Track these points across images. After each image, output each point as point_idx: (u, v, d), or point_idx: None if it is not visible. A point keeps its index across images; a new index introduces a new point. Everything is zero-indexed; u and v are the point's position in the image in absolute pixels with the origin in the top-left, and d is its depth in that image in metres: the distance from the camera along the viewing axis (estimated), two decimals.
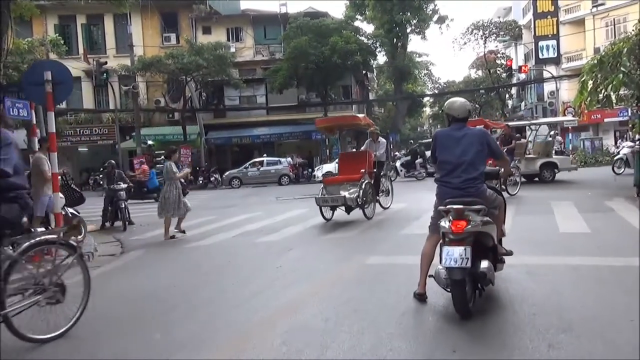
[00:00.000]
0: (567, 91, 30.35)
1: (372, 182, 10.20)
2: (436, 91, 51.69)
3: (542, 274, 4.89)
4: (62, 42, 26.43)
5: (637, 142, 16.96)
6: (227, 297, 4.84)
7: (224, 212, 12.52)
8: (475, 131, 4.17)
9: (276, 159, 27.36)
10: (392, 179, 16.10)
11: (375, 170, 10.57)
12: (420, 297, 4.14)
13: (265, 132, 31.44)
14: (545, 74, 32.91)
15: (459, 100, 4.26)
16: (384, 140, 11.41)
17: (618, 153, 17.71)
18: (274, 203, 15.08)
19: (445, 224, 3.74)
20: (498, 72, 41.76)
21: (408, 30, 37.45)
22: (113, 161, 12.28)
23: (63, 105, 32.00)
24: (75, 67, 30.69)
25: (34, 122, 10.87)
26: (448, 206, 3.77)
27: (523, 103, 41.23)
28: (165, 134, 31.41)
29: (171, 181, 9.29)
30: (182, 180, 9.82)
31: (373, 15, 35.72)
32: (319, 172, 26.66)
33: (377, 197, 10.59)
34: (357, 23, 35.78)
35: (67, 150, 31.40)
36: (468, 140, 4.07)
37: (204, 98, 32.79)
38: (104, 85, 27.80)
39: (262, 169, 26.29)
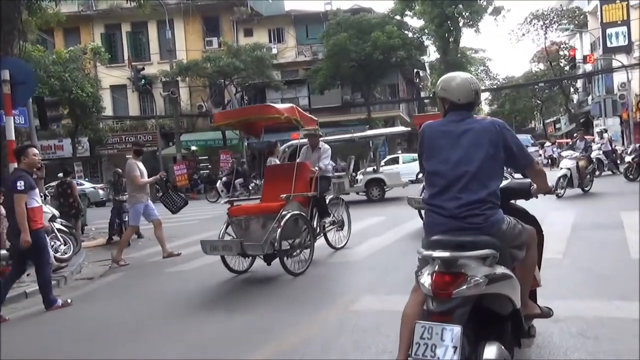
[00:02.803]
0: None
1: (311, 211, 6.62)
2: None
3: (604, 338, 3.25)
4: (102, 49, 26.51)
5: (581, 151, 12.21)
6: None
7: None
8: (484, 124, 2.63)
9: None
10: None
11: (316, 193, 6.61)
12: None
13: None
14: (615, 64, 29.74)
15: (459, 76, 2.73)
16: (327, 146, 7.45)
17: (559, 167, 12.51)
18: None
19: (425, 279, 2.26)
20: (561, 64, 38.56)
21: (460, 24, 35.25)
22: (120, 170, 11.38)
23: (110, 113, 32.38)
24: (118, 75, 30.95)
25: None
26: (428, 252, 2.27)
27: (590, 97, 37.78)
28: (207, 139, 30.93)
29: None
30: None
31: (422, 9, 33.79)
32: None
33: (324, 231, 7.02)
34: (406, 19, 34.04)
35: (115, 158, 31.60)
36: (472, 138, 2.56)
37: (246, 101, 32.06)
38: (142, 91, 27.62)
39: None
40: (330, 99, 29.66)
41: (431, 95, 49.41)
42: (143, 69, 25.88)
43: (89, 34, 32.87)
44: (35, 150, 5.53)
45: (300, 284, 5.57)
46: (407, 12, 35.43)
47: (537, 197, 2.94)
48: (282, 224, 5.72)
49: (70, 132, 27.85)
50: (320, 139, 7.64)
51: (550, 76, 38.14)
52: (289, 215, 5.86)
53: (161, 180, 9.85)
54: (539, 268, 3.03)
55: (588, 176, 11.89)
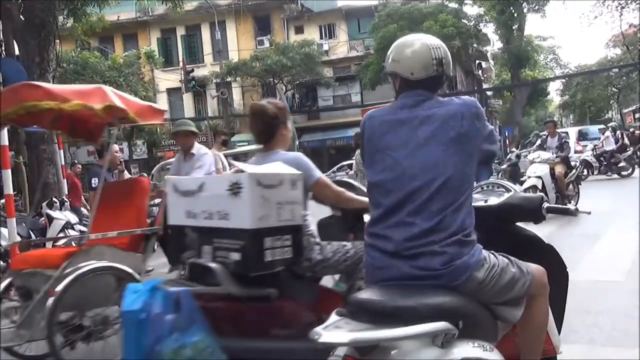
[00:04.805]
0: None
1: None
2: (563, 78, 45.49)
3: None
4: (155, 54, 26.98)
5: (554, 151, 9.07)
6: None
7: None
8: (452, 108, 1.75)
9: None
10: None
11: (158, 227, 4.12)
12: None
13: None
14: None
15: (418, 40, 1.84)
16: (205, 151, 5.24)
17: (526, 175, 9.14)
18: None
19: None
20: (639, 47, 35.19)
21: (525, 10, 32.97)
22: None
23: (166, 115, 32.93)
24: (174, 78, 31.34)
25: None
26: (319, 330, 1.38)
27: None
28: None
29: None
30: None
31: None
32: None
33: None
34: (466, 8, 32.29)
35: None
36: (433, 130, 1.70)
37: (297, 99, 31.63)
38: (194, 93, 27.88)
39: (350, 172, 24.15)
40: (383, 94, 28.46)
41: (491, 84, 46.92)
42: (192, 70, 26.03)
43: (146, 39, 33.61)
44: (117, 147, 5.67)
45: None
46: (466, 1, 33.64)
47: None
48: (58, 289, 3.35)
49: (127, 136, 28.58)
50: None
51: (627, 61, 34.91)
52: (78, 273, 3.40)
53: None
54: (561, 324, 2.05)
55: (571, 186, 8.97)
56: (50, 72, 11.62)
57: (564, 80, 47.45)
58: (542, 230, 6.27)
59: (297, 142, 28.80)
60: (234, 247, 1.78)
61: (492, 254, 1.68)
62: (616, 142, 15.11)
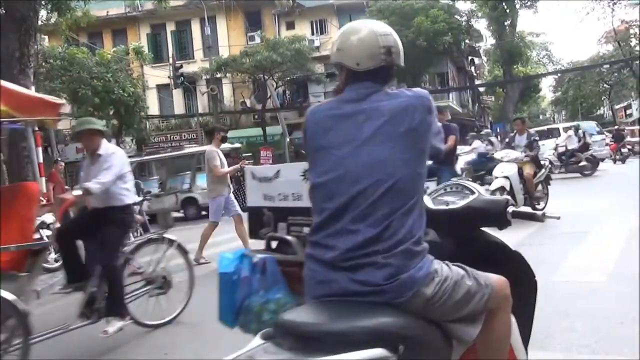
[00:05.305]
0: None
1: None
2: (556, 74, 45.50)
3: None
4: (144, 49, 26.61)
5: (523, 150, 8.48)
6: None
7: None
8: (403, 102, 1.57)
9: None
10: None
11: (46, 242, 4.09)
12: None
13: None
14: None
15: (365, 27, 1.66)
16: (113, 150, 4.24)
17: (490, 175, 8.40)
18: None
19: None
20: (631, 44, 35.23)
21: (517, 6, 32.91)
22: None
23: (156, 112, 32.57)
24: (164, 74, 31.00)
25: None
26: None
27: None
28: (250, 135, 30.50)
29: None
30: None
31: None
32: None
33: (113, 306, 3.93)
34: (458, 4, 32.17)
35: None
36: (379, 126, 1.53)
37: (288, 96, 31.37)
38: (184, 89, 27.56)
39: None
40: None
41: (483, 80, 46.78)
42: (181, 66, 25.75)
43: (135, 35, 33.24)
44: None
45: None
46: None
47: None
48: None
49: (115, 133, 28.21)
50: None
51: (618, 57, 34.92)
52: None
53: (242, 170, 9.14)
54: (528, 337, 1.88)
55: (540, 186, 8.41)
56: (30, 67, 11.36)
57: (556, 77, 47.62)
58: (525, 232, 6.08)
59: (287, 139, 28.83)
60: (306, 223, 2.09)
61: (446, 264, 1.52)
62: (579, 141, 15.34)
